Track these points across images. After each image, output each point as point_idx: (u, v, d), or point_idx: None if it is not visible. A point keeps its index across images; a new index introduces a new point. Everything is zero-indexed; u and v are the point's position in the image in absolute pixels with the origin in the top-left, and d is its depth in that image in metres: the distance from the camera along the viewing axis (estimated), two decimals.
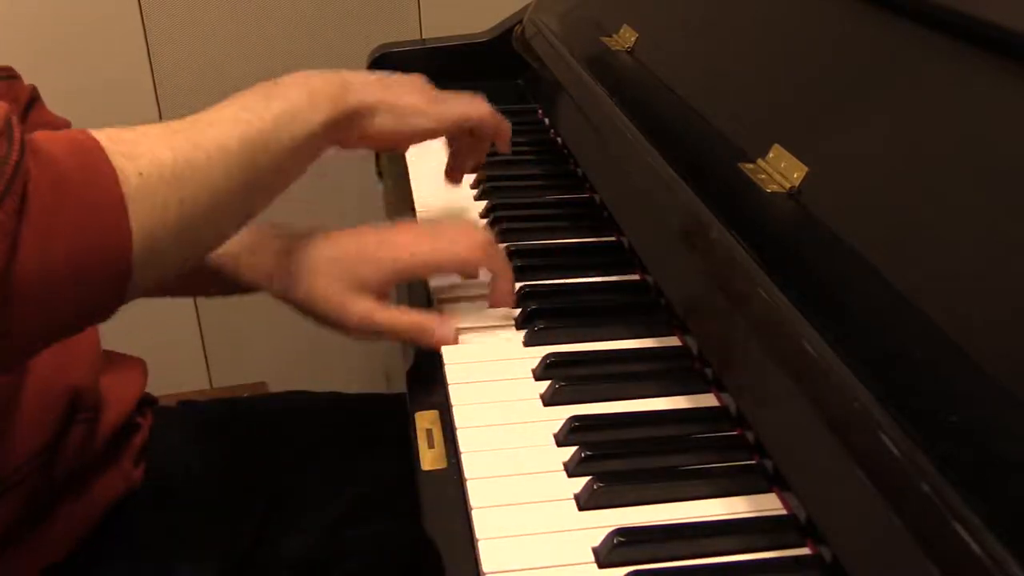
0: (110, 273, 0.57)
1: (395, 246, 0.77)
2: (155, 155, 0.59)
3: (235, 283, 0.81)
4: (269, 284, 0.78)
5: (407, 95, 0.80)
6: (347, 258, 0.76)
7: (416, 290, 0.83)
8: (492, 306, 0.79)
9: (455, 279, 0.82)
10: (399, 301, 0.81)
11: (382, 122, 0.77)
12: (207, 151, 0.63)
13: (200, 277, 0.80)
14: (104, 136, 0.58)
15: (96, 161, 0.56)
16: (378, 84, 0.78)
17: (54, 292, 0.54)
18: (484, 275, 0.80)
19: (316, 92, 0.72)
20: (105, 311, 0.60)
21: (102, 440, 0.79)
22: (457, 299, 0.81)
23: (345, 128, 0.74)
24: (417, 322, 0.76)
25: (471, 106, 0.84)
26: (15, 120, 0.54)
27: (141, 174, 0.58)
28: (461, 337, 0.76)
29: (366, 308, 0.74)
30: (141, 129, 0.61)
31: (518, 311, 0.79)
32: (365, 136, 0.77)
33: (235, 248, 0.78)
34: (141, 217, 0.57)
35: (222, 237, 0.68)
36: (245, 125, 0.66)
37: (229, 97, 0.69)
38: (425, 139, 0.83)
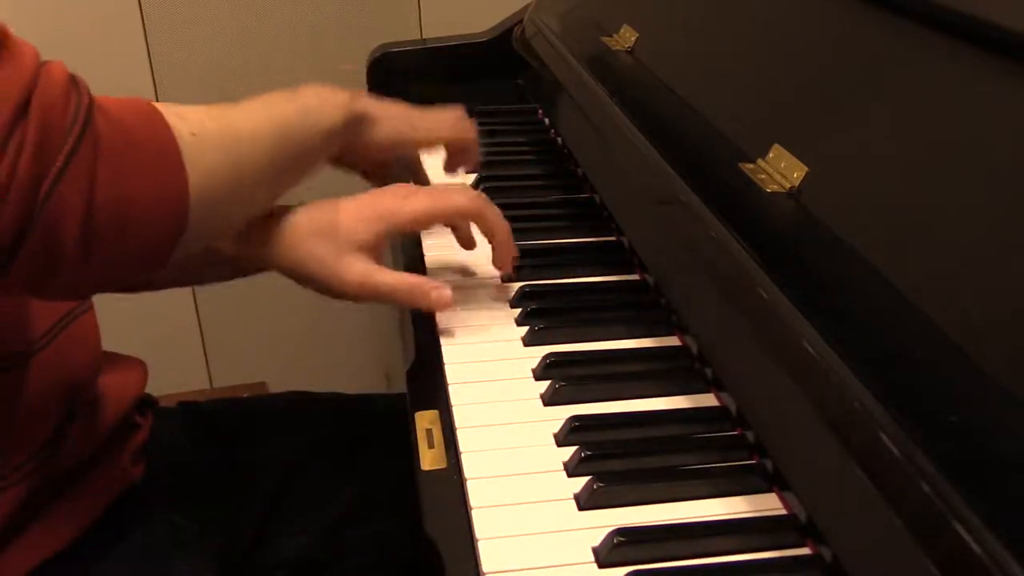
0: (170, 218, 0.62)
1: (390, 201, 0.78)
2: (203, 124, 0.65)
3: (231, 262, 0.81)
4: (265, 254, 0.78)
5: (403, 107, 0.85)
6: (341, 219, 0.76)
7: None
8: (497, 267, 0.83)
9: (450, 259, 0.86)
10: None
11: (384, 128, 0.82)
12: (245, 129, 0.69)
13: (197, 260, 0.79)
14: (155, 104, 0.63)
15: (154, 119, 0.62)
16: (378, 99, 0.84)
17: (123, 229, 0.59)
18: (477, 264, 0.83)
19: (328, 97, 0.77)
20: (162, 257, 0.64)
21: (100, 438, 0.79)
22: (457, 303, 0.81)
23: (352, 130, 0.79)
24: (416, 283, 0.77)
25: (444, 132, 0.89)
26: (78, 76, 0.60)
27: (194, 134, 0.63)
28: (461, 337, 0.76)
29: (364, 269, 0.75)
30: (180, 106, 0.65)
31: (515, 286, 0.82)
32: (367, 140, 0.82)
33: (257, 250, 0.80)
34: (195, 174, 0.62)
35: (255, 209, 0.73)
36: (273, 113, 0.72)
37: (243, 100, 0.73)
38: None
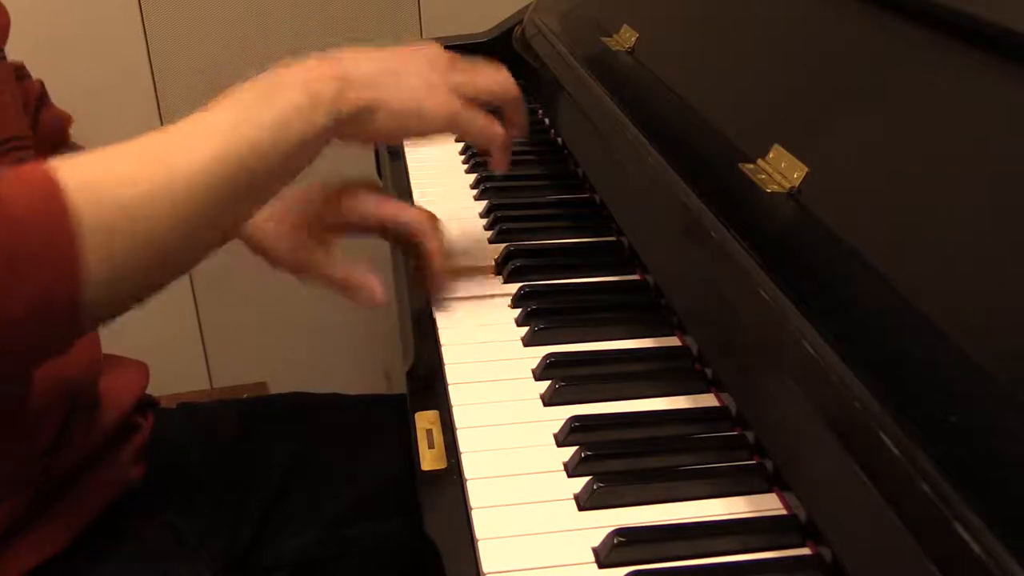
0: (59, 315, 0.55)
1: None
2: (118, 187, 0.57)
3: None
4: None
5: (407, 90, 0.75)
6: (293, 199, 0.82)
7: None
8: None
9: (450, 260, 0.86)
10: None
11: (379, 124, 0.74)
12: (183, 174, 0.60)
13: None
14: (67, 168, 0.55)
15: (50, 201, 0.54)
16: (380, 77, 0.74)
17: (9, 335, 0.53)
18: (477, 264, 0.84)
19: (315, 94, 0.69)
20: (59, 347, 0.59)
21: (100, 439, 0.79)
22: (457, 304, 0.82)
23: (343, 129, 0.72)
24: (346, 279, 0.81)
25: (487, 85, 0.80)
26: None
27: (100, 203, 0.55)
28: (460, 337, 0.76)
29: (307, 258, 0.82)
30: (114, 152, 0.59)
31: (515, 286, 0.81)
32: (362, 135, 0.75)
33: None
34: (97, 252, 0.55)
35: (202, 252, 0.65)
36: (237, 138, 0.63)
37: (229, 90, 0.67)
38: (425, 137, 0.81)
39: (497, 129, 0.80)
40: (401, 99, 0.75)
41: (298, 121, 0.67)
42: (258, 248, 0.83)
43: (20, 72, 0.86)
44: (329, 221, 0.83)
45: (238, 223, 0.68)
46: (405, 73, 0.76)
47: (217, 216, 0.63)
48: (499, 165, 0.84)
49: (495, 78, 0.81)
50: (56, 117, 0.91)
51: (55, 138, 0.90)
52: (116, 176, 0.57)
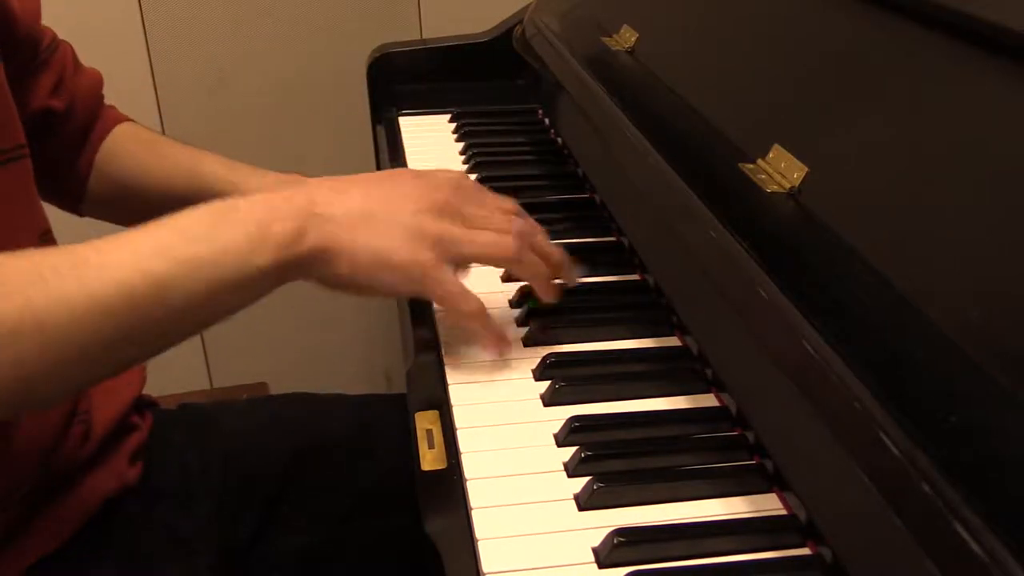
0: None
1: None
2: (5, 304, 0.54)
3: None
4: None
5: (382, 237, 0.66)
6: None
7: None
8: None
9: None
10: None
11: (339, 271, 0.66)
12: (75, 305, 0.56)
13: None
14: None
15: None
16: (356, 217, 0.66)
17: None
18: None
19: (266, 234, 0.62)
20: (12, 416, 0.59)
21: (97, 439, 0.79)
22: None
23: (295, 272, 0.65)
24: None
25: (482, 251, 0.71)
26: None
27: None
28: (460, 337, 0.76)
29: None
30: (13, 265, 0.57)
31: (515, 286, 0.81)
32: (324, 282, 0.67)
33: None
34: None
35: (86, 383, 0.62)
36: (140, 274, 0.58)
37: (187, 210, 0.63)
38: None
39: (470, 305, 0.69)
40: (371, 246, 0.66)
41: (233, 262, 0.61)
42: None
43: (52, 43, 0.87)
44: None
45: (137, 356, 0.63)
46: (389, 215, 0.67)
47: (98, 353, 0.58)
48: (489, 346, 0.72)
49: (496, 242, 0.70)
50: (91, 81, 0.92)
51: (91, 102, 0.91)
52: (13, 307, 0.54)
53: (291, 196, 0.66)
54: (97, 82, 0.93)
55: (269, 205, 0.65)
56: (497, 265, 0.75)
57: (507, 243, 0.70)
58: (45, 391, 0.59)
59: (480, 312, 0.70)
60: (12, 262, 0.57)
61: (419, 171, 0.75)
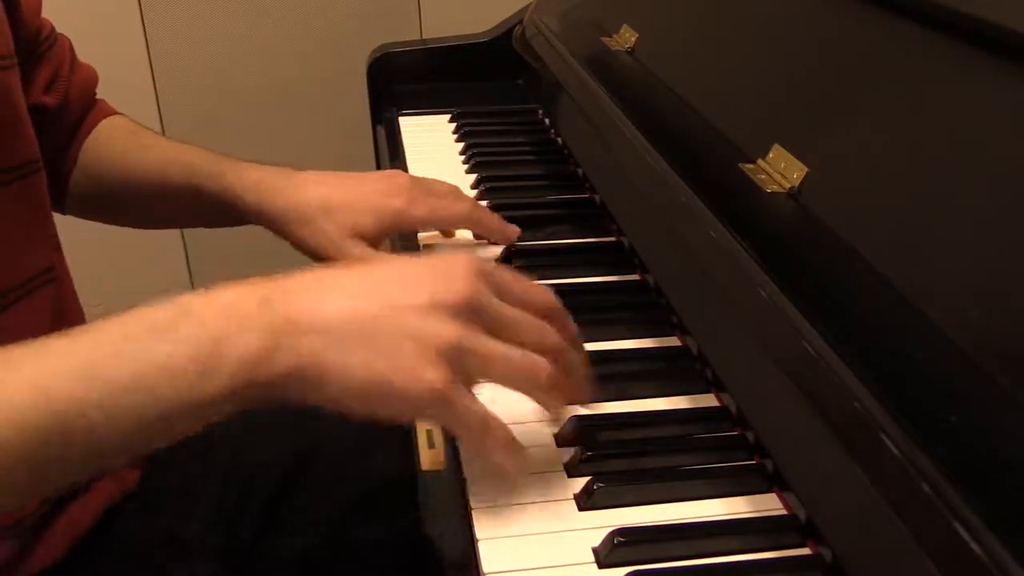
0: None
1: (400, 202, 0.84)
2: None
3: (225, 216, 0.87)
4: (268, 220, 0.85)
5: (381, 356, 0.52)
6: (351, 204, 0.83)
7: None
8: (500, 241, 0.87)
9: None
10: None
11: (328, 396, 0.53)
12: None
13: (191, 204, 0.86)
14: None
15: None
16: (347, 327, 0.52)
17: None
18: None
19: (223, 352, 0.49)
20: None
21: None
22: None
23: (266, 396, 0.53)
24: None
25: (511, 370, 0.56)
26: None
27: None
28: None
29: (362, 254, 0.82)
30: None
31: None
32: (307, 404, 0.55)
33: (239, 187, 0.84)
34: None
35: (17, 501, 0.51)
36: (44, 400, 0.46)
37: (104, 320, 0.50)
38: None
39: (495, 437, 0.55)
40: (366, 367, 0.52)
41: (173, 387, 0.48)
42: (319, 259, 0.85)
43: (51, 36, 0.86)
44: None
45: (55, 485, 0.52)
46: (390, 323, 0.53)
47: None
48: (517, 484, 0.59)
49: (530, 368, 0.56)
50: (86, 78, 0.91)
51: (85, 100, 0.90)
52: None
53: (263, 297, 0.52)
54: (92, 79, 0.91)
55: (232, 310, 0.51)
56: (522, 392, 0.58)
57: (540, 369, 0.56)
58: None
59: (507, 443, 0.55)
60: None
61: (432, 258, 0.59)
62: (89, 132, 0.90)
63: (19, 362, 0.47)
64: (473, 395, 0.54)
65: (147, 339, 0.49)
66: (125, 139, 0.91)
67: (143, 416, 0.48)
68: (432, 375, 0.52)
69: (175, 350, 0.48)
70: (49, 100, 0.85)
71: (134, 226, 1.00)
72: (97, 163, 0.89)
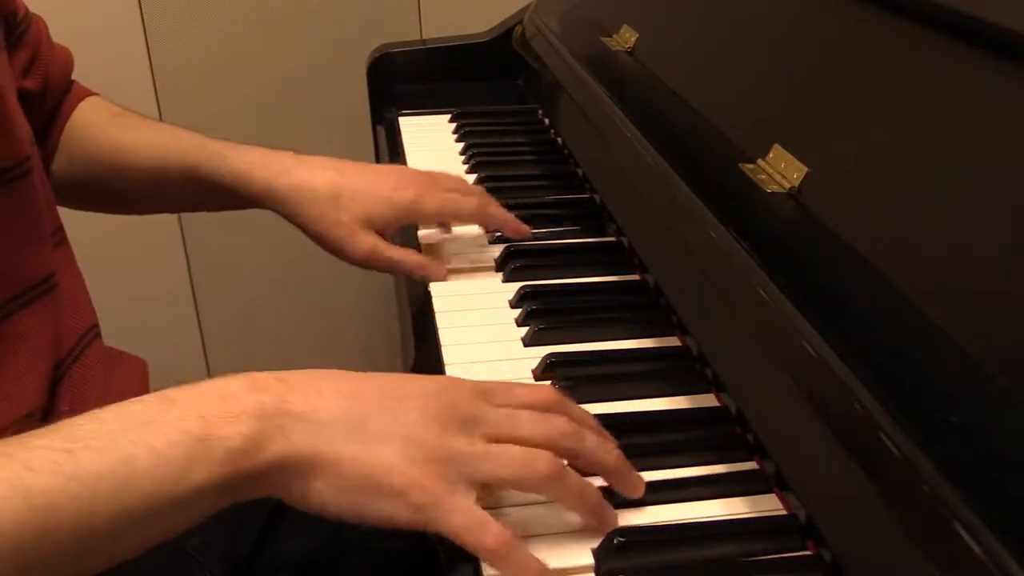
0: None
1: (412, 192, 0.85)
2: None
3: (227, 198, 0.86)
4: (279, 205, 0.84)
5: (375, 454, 0.51)
6: (362, 193, 0.83)
7: None
8: (513, 236, 0.88)
9: (448, 250, 0.90)
10: None
11: (314, 493, 0.50)
12: None
13: (198, 189, 0.85)
14: None
15: None
16: (340, 423, 0.51)
17: None
18: (476, 262, 0.88)
19: (212, 437, 0.48)
20: None
21: None
22: (456, 304, 0.81)
23: (251, 490, 0.50)
24: (420, 260, 0.84)
25: (507, 474, 0.54)
26: None
27: None
28: (460, 337, 0.76)
29: (373, 244, 0.82)
30: None
31: (515, 286, 0.83)
32: (293, 502, 0.52)
33: (246, 167, 0.84)
34: None
35: None
36: (20, 495, 0.43)
37: (83, 415, 0.48)
38: None
39: (495, 539, 0.52)
40: (360, 462, 0.50)
41: (156, 478, 0.46)
42: (332, 251, 0.85)
43: (26, 17, 0.82)
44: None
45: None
46: (386, 422, 0.52)
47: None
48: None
49: (526, 462, 0.53)
50: (63, 59, 0.88)
51: (63, 82, 0.88)
52: None
53: (255, 383, 0.51)
54: (69, 61, 0.88)
55: (221, 394, 0.50)
56: (528, 491, 0.56)
57: (538, 462, 0.53)
58: None
59: (506, 545, 0.52)
60: None
61: (435, 376, 0.60)
62: (68, 116, 0.87)
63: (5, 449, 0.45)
64: (471, 499, 0.52)
65: (134, 430, 0.47)
66: (111, 122, 0.88)
67: (127, 508, 0.46)
68: (428, 479, 0.50)
69: (161, 437, 0.47)
70: (31, 84, 0.82)
71: (123, 212, 0.98)
72: (84, 148, 0.87)
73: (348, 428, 0.51)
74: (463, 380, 0.58)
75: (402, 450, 0.51)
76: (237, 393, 0.50)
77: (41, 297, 0.72)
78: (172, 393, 0.49)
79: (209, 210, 0.94)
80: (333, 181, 0.83)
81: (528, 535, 0.56)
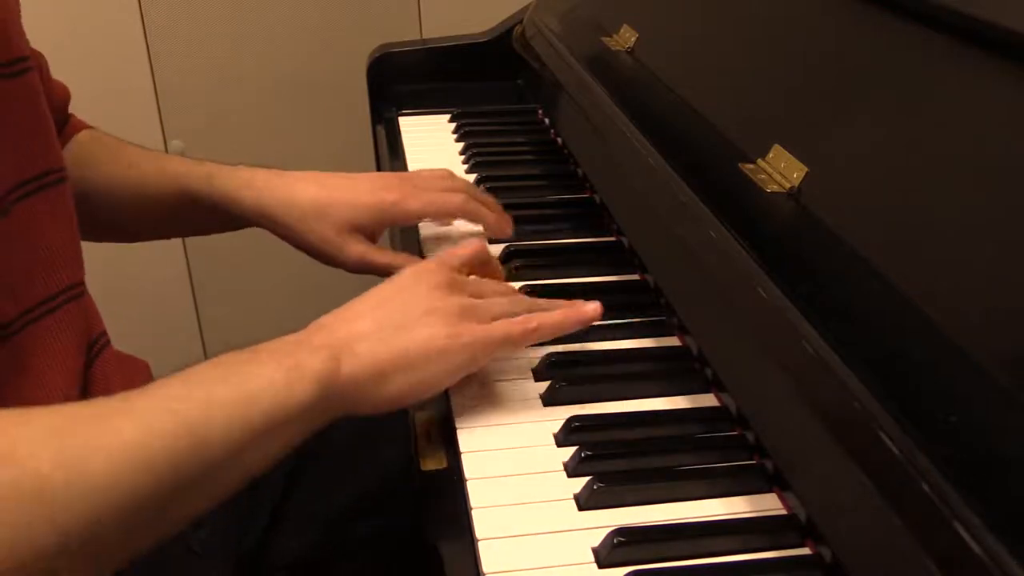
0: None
1: (394, 194, 0.86)
2: (32, 462, 0.48)
3: (220, 220, 0.88)
4: (266, 222, 0.86)
5: (417, 330, 0.64)
6: (347, 201, 0.84)
7: None
8: (495, 235, 0.89)
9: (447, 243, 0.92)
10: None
11: (398, 384, 0.63)
12: (111, 451, 0.50)
13: (187, 214, 0.87)
14: None
15: None
16: (381, 328, 0.64)
17: None
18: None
19: (302, 366, 0.58)
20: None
21: None
22: None
23: (345, 402, 0.61)
24: (411, 261, 0.83)
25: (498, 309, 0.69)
26: None
27: (9, 484, 0.47)
28: None
29: (363, 250, 0.84)
30: (39, 418, 0.51)
31: (516, 286, 0.82)
32: (383, 405, 0.63)
33: (233, 187, 0.85)
34: (6, 539, 0.46)
35: (128, 550, 0.54)
36: (171, 417, 0.53)
37: (186, 369, 0.57)
38: None
39: (537, 323, 0.69)
40: (413, 343, 0.63)
41: (271, 399, 0.56)
42: (326, 262, 0.87)
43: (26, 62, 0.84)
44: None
45: (177, 517, 0.56)
46: (409, 310, 0.65)
47: (134, 511, 0.51)
48: (585, 311, 0.72)
49: (511, 309, 0.70)
50: (61, 92, 0.89)
51: (61, 116, 0.89)
52: (29, 450, 0.48)
53: (308, 332, 0.63)
54: (66, 94, 0.90)
55: (291, 341, 0.62)
56: (516, 347, 0.70)
57: (522, 303, 0.71)
58: (98, 552, 0.51)
59: (546, 319, 0.69)
60: (42, 414, 0.51)
61: (410, 268, 0.71)
62: (63, 147, 0.87)
63: (139, 394, 0.54)
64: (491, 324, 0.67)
65: (236, 369, 0.58)
66: (106, 156, 0.90)
67: (254, 425, 0.56)
68: (453, 326, 0.65)
69: (265, 370, 0.58)
70: None
71: (120, 241, 0.99)
72: (81, 183, 0.87)
73: (389, 329, 0.63)
74: (427, 262, 0.72)
75: (432, 320, 0.64)
76: (300, 339, 0.62)
77: (65, 304, 0.73)
78: (258, 347, 0.60)
79: (205, 234, 0.95)
80: (316, 195, 0.85)
81: (529, 534, 0.56)
